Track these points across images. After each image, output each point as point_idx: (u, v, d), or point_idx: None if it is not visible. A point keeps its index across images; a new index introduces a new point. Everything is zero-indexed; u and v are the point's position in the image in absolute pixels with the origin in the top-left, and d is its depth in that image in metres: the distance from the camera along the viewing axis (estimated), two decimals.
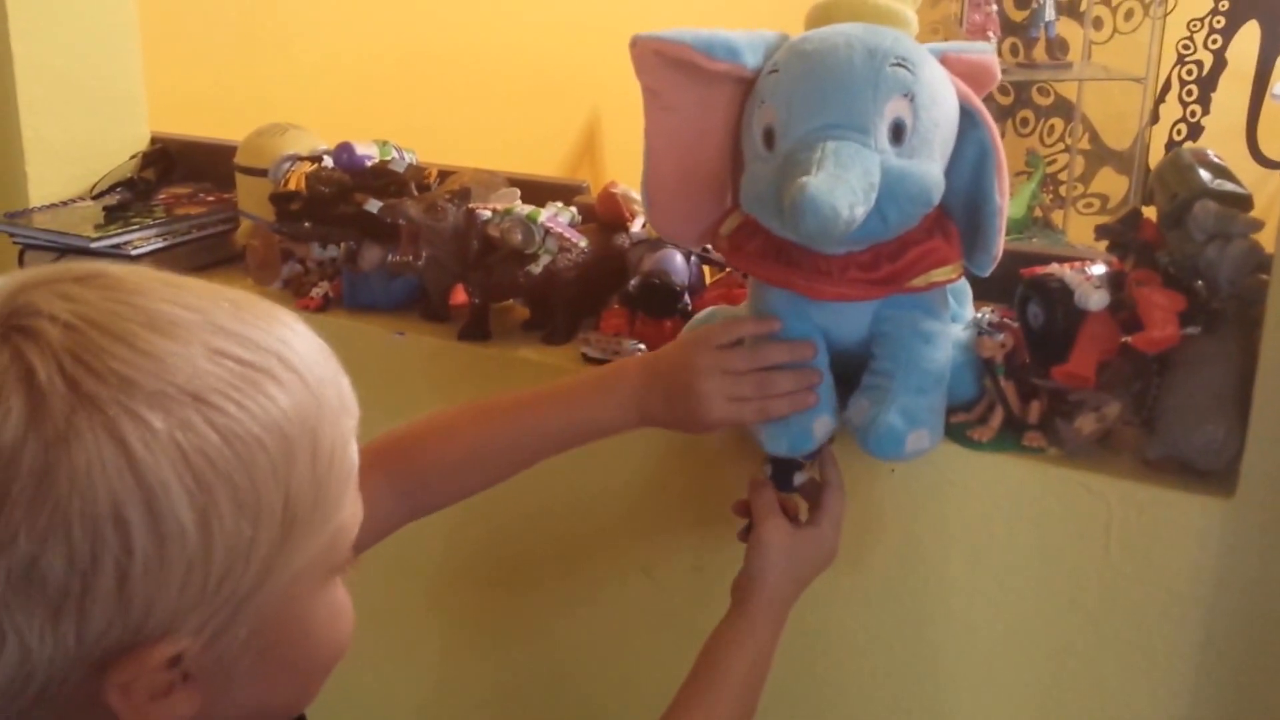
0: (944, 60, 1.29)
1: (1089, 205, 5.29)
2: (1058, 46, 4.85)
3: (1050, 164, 5.17)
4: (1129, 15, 4.95)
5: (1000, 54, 4.80)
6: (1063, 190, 5.22)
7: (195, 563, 0.69)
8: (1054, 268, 1.34)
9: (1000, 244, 1.31)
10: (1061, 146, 5.27)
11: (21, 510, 0.65)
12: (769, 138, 1.26)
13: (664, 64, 1.30)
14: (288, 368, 0.75)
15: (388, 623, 1.85)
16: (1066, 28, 4.93)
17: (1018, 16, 4.93)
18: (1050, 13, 4.72)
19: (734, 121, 1.35)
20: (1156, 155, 4.74)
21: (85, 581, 0.66)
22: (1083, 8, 4.89)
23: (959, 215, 1.32)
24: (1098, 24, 4.97)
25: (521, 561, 1.71)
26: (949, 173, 1.28)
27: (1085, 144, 5.25)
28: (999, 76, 1.36)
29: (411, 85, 3.18)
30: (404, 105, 3.11)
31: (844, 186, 1.16)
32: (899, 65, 1.22)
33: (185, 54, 2.52)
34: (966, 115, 1.29)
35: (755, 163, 1.29)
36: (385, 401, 1.71)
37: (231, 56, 2.71)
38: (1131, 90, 4.80)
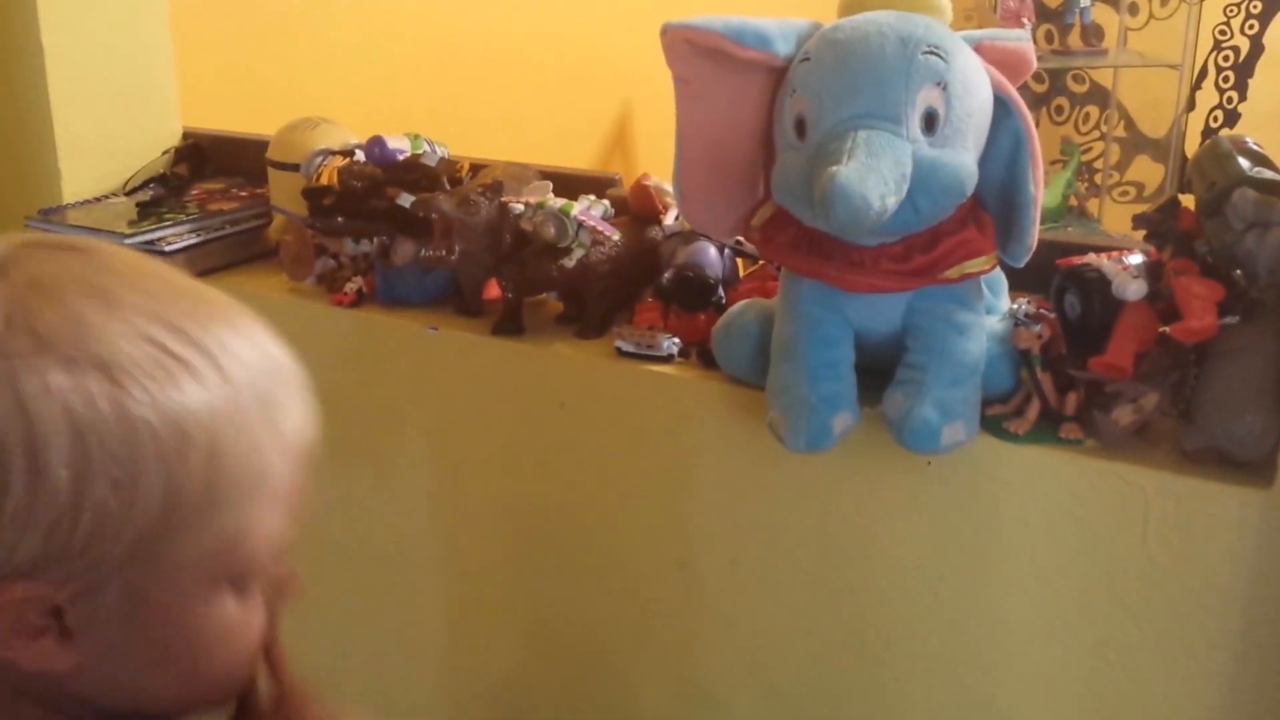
0: (978, 48, 1.29)
1: (1124, 193, 5.26)
2: (1093, 33, 4.81)
3: (1085, 152, 5.14)
4: (1164, 1, 4.91)
5: (1035, 41, 4.72)
6: (1098, 178, 5.18)
7: (63, 518, 0.72)
8: (1091, 258, 1.33)
9: (1035, 234, 1.30)
10: (1097, 134, 5.23)
11: None
12: (800, 127, 1.26)
13: (694, 52, 1.29)
14: (213, 366, 0.77)
15: (417, 615, 1.85)
16: (1102, 13, 4.89)
17: (1053, 2, 4.90)
18: None
19: (765, 111, 1.34)
20: (1193, 142, 4.70)
21: None
22: None
23: (993, 205, 1.31)
24: (1133, 10, 4.93)
25: (554, 555, 1.71)
26: (983, 162, 1.28)
27: (1121, 131, 5.21)
28: (1034, 64, 1.35)
29: (442, 77, 3.18)
30: (434, 97, 3.10)
31: (875, 176, 1.15)
32: (931, 53, 1.22)
33: (216, 47, 2.52)
34: (1001, 104, 1.28)
35: (787, 153, 1.29)
36: (419, 397, 1.73)
37: (261, 49, 2.71)
38: (1167, 77, 4.76)
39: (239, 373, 0.79)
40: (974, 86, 1.24)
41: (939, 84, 1.21)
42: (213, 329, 0.79)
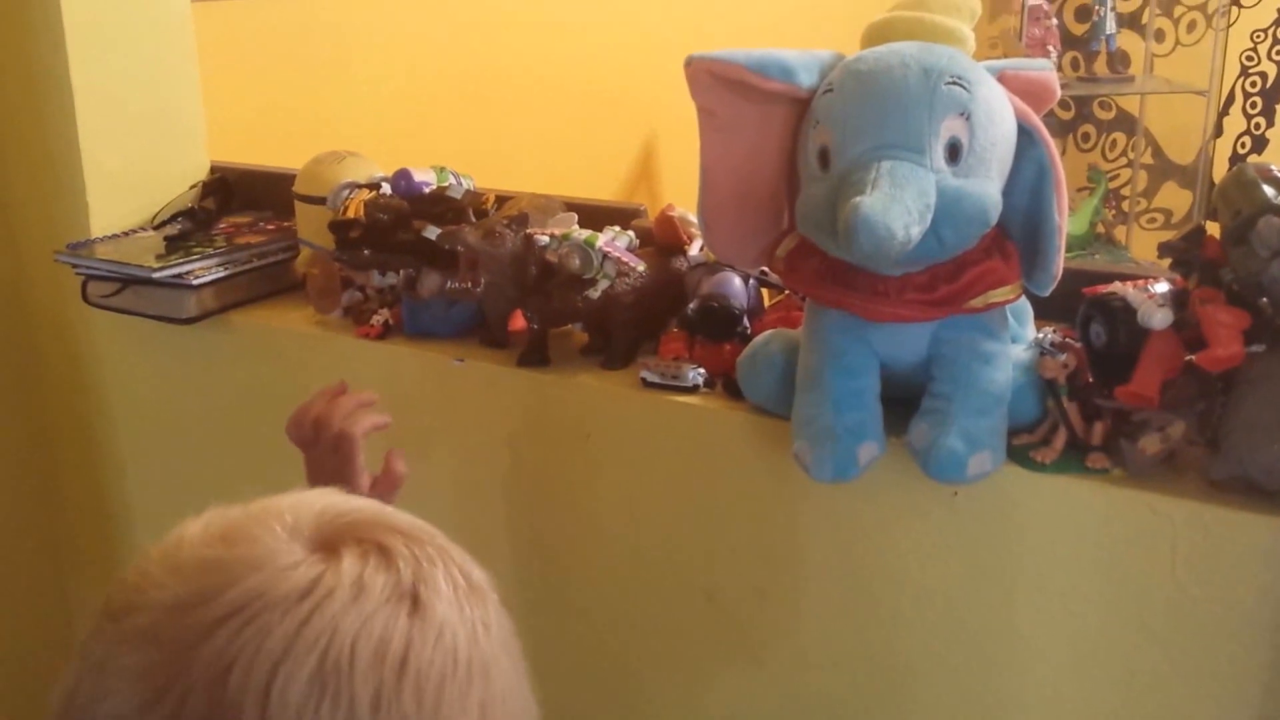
0: (1001, 78, 1.29)
1: (1152, 221, 5.24)
2: (1119, 60, 4.81)
3: (1113, 179, 5.13)
4: (1191, 27, 4.90)
5: (1061, 68, 4.77)
6: (1125, 205, 5.16)
7: None
8: (1116, 286, 1.33)
9: (1060, 263, 1.30)
10: (1124, 161, 5.22)
11: None
12: (824, 158, 1.26)
13: (718, 84, 1.30)
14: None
15: None
16: (1127, 40, 4.88)
17: (1078, 30, 4.89)
18: (1111, 25, 4.68)
19: (789, 142, 1.35)
20: (1220, 169, 4.68)
21: None
22: (1144, 20, 4.84)
23: (1017, 234, 1.31)
24: (1159, 36, 4.93)
25: (580, 586, 1.71)
26: (1007, 191, 1.28)
27: (1148, 158, 5.20)
28: (1058, 93, 1.35)
29: (466, 109, 3.19)
30: (459, 129, 3.11)
31: (899, 206, 1.15)
32: (954, 83, 1.22)
33: (241, 81, 2.53)
34: (1025, 133, 1.28)
35: (811, 183, 1.29)
36: (446, 428, 1.74)
37: (286, 82, 2.72)
38: (1194, 103, 4.74)
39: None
40: (997, 116, 1.24)
41: (962, 114, 1.22)
42: None
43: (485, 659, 0.79)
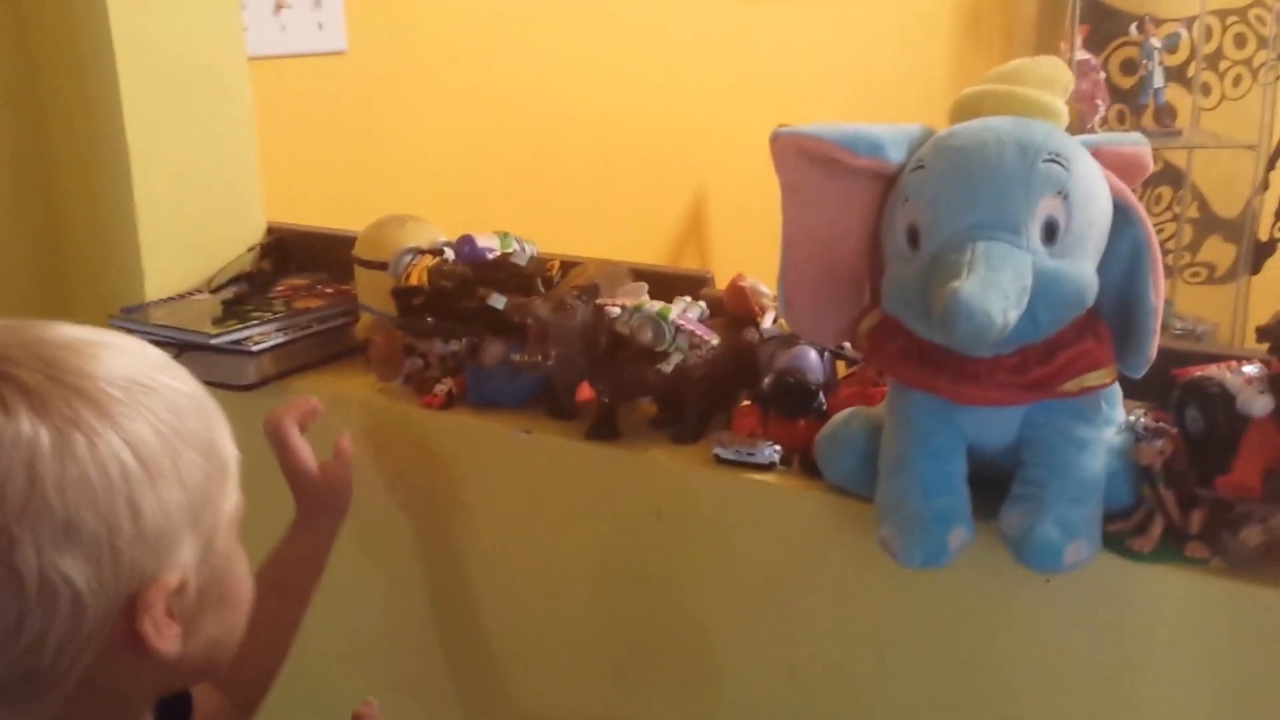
0: (1096, 153, 1.25)
1: (1196, 274, 5.20)
2: (1166, 113, 4.78)
3: (1158, 232, 5.07)
4: (1237, 81, 4.87)
5: (1107, 121, 4.74)
6: (1170, 260, 5.12)
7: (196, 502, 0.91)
8: (1211, 369, 1.29)
9: (1155, 346, 1.26)
10: (1169, 215, 5.18)
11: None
12: (913, 236, 1.23)
13: (804, 159, 1.27)
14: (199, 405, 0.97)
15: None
16: (1174, 94, 4.85)
17: (1125, 83, 4.86)
18: (1159, 80, 4.65)
19: (873, 217, 1.32)
20: (1267, 222, 4.64)
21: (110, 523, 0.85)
22: (1190, 74, 4.81)
23: (1109, 314, 1.28)
24: (1205, 90, 4.89)
25: (655, 666, 1.67)
26: (1100, 270, 1.24)
27: (1193, 212, 5.16)
28: (1150, 167, 1.31)
29: (516, 170, 3.18)
30: (509, 190, 3.11)
31: (996, 291, 1.12)
32: (1052, 161, 1.19)
33: (291, 141, 2.52)
34: (1120, 211, 1.25)
35: (898, 262, 1.26)
36: (512, 502, 1.70)
37: (338, 144, 2.72)
38: (1241, 156, 4.71)
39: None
40: (1095, 194, 1.21)
41: (1060, 193, 1.18)
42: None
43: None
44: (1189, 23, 4.79)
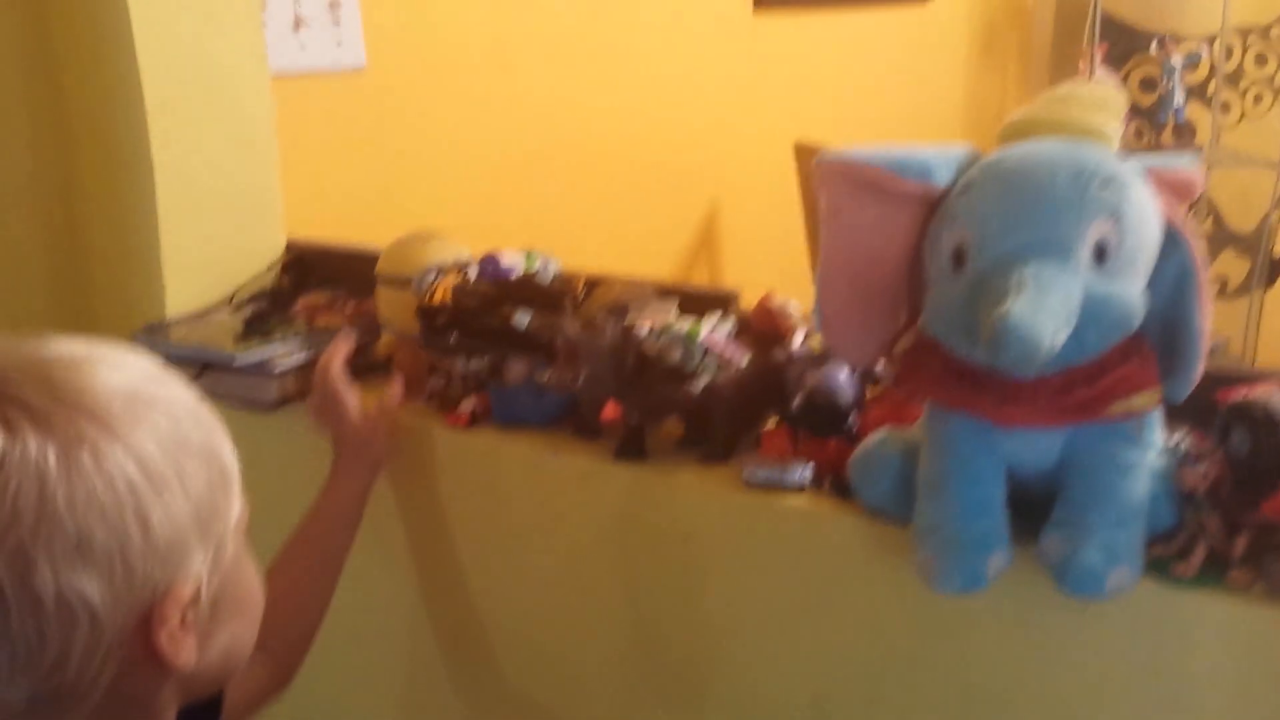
0: (1148, 175, 1.23)
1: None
2: (1186, 131, 4.76)
3: None
4: (1258, 99, 4.85)
5: (1125, 138, 4.71)
6: None
7: (202, 509, 0.91)
8: (1257, 390, 1.26)
9: (1200, 369, 1.24)
10: None
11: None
12: (959, 257, 1.21)
13: (850, 183, 1.25)
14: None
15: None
16: (1193, 111, 4.83)
17: (1145, 101, 4.84)
18: (1179, 98, 4.63)
19: (915, 239, 1.30)
20: None
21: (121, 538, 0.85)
22: (1210, 92, 4.79)
23: (1154, 336, 1.25)
24: (1225, 108, 4.87)
25: (680, 690, 1.65)
26: (1146, 292, 1.22)
27: (1208, 226, 5.14)
28: (1200, 189, 1.29)
29: (529, 183, 3.17)
30: (521, 204, 3.10)
31: (1045, 313, 1.10)
32: (1105, 187, 1.16)
33: (313, 159, 2.50)
34: (1168, 234, 1.22)
35: (942, 282, 1.24)
36: (538, 523, 1.68)
37: (354, 160, 2.70)
38: (1259, 173, 4.69)
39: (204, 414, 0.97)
40: (1147, 218, 1.19)
41: (1112, 217, 1.16)
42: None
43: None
44: (1209, 41, 4.76)
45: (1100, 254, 1.16)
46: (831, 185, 1.27)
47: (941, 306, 1.22)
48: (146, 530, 0.86)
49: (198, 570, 0.91)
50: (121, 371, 0.91)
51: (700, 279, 3.76)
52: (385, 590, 1.85)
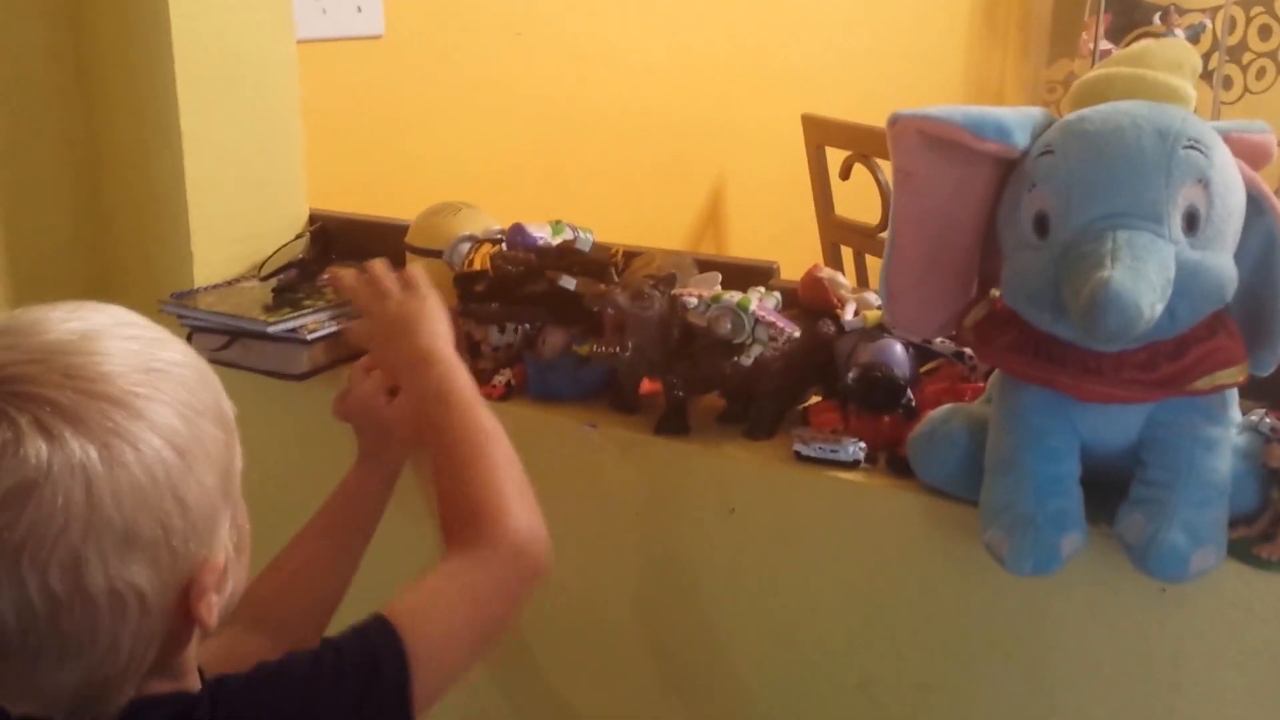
0: (1225, 140, 1.18)
1: None
2: None
3: None
4: (1260, 74, 4.80)
5: None
6: None
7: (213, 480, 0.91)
8: None
9: None
10: None
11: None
12: (1041, 224, 1.16)
13: (925, 144, 1.21)
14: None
15: None
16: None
17: None
18: None
19: (988, 206, 1.25)
20: None
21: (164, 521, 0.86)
22: (1211, 66, 4.74)
23: (1237, 309, 1.21)
24: (1227, 84, 4.82)
25: (721, 673, 1.61)
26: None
27: None
28: (1274, 156, 1.25)
29: (538, 155, 3.12)
30: (531, 174, 3.05)
31: (1145, 282, 1.06)
32: (1192, 147, 1.12)
33: (332, 127, 2.45)
34: (1252, 201, 1.18)
35: (1022, 251, 1.19)
36: (577, 499, 1.63)
37: (372, 128, 2.66)
38: None
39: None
40: (1233, 184, 1.15)
41: (1201, 181, 1.12)
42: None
43: None
44: (1213, 12, 4.72)
45: (1191, 222, 1.12)
46: (904, 145, 1.22)
47: (1022, 276, 1.18)
48: (184, 509, 0.87)
49: (225, 535, 0.94)
50: (127, 344, 0.90)
51: (707, 251, 3.72)
52: (411, 565, 1.79)
